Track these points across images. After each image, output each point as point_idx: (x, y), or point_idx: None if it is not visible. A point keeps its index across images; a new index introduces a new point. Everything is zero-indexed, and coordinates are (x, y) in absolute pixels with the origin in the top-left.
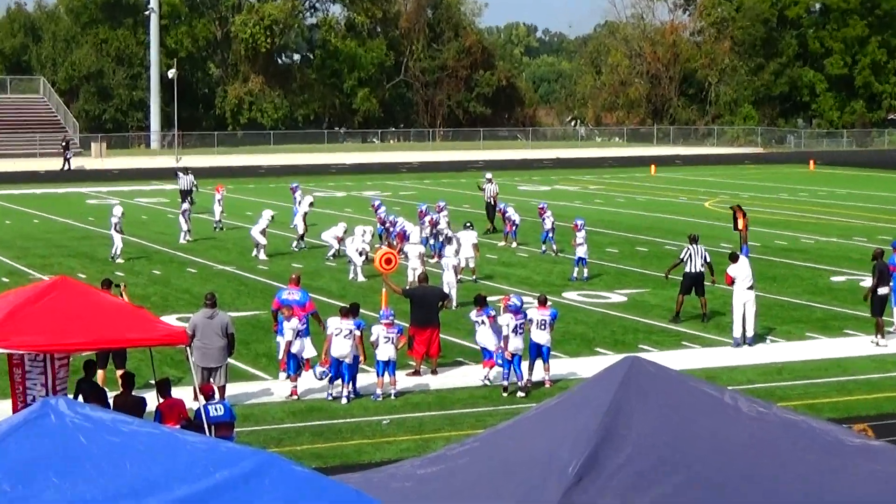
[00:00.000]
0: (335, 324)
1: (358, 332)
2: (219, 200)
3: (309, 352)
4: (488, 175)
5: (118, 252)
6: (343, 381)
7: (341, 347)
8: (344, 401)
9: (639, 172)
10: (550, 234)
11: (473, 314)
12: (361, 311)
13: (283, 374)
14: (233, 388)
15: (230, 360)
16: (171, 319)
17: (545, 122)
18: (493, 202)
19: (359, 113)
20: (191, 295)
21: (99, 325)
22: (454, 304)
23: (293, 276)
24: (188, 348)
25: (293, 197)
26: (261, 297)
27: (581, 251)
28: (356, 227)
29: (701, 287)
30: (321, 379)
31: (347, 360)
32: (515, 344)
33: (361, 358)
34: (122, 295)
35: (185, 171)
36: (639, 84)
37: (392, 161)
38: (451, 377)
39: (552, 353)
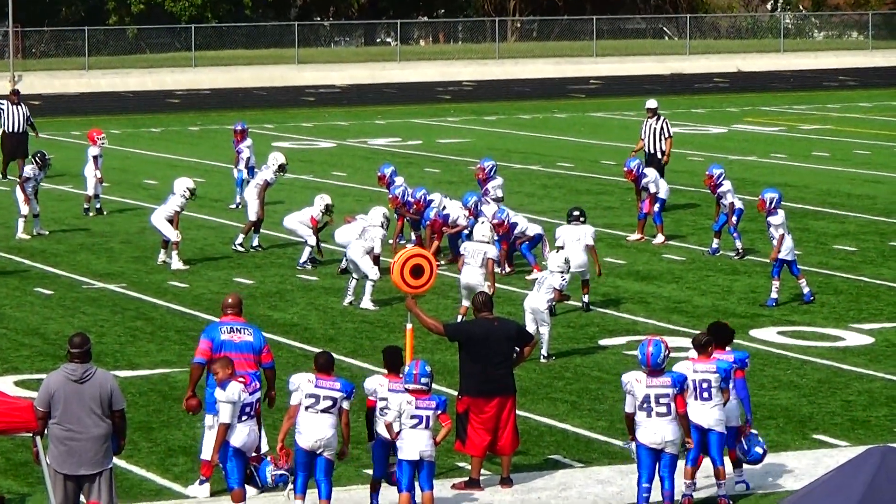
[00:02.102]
0: (305, 387)
1: (386, 403)
2: (95, 158)
3: (266, 443)
4: (651, 103)
5: None
6: (321, 494)
7: (315, 429)
8: None
9: None
10: (733, 222)
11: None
12: (367, 366)
13: (203, 487)
14: None
15: (117, 462)
16: (4, 385)
17: (716, 5)
18: (658, 154)
19: None
20: (42, 338)
21: None
22: (545, 350)
23: (229, 300)
24: (38, 438)
25: (237, 149)
26: (175, 341)
27: (782, 248)
28: (372, 210)
29: None
30: (279, 485)
31: (327, 454)
32: (661, 433)
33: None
34: None
35: (15, 97)
36: None
37: (424, 80)
38: (539, 492)
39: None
